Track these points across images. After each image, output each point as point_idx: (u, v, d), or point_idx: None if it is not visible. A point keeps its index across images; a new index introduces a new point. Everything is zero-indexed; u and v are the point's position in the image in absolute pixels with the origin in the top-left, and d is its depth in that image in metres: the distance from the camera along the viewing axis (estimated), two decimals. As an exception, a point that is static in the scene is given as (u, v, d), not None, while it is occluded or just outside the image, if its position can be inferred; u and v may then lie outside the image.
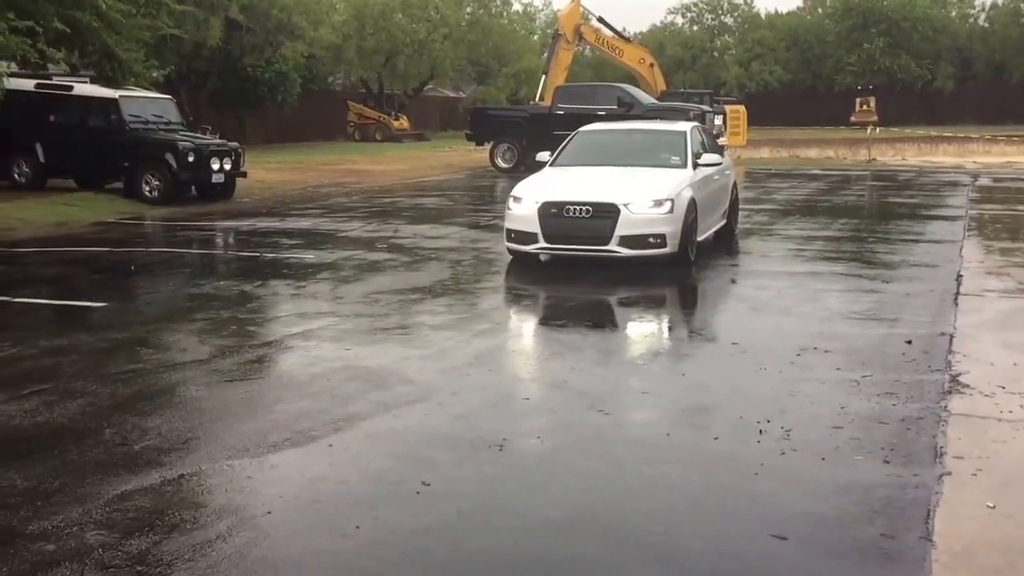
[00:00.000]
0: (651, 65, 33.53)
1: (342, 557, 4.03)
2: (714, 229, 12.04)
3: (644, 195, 10.21)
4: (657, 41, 68.20)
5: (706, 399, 6.09)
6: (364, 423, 5.59)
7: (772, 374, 6.62)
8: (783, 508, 4.52)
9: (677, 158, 11.43)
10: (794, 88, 68.00)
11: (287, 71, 37.58)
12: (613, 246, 9.97)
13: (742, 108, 34.88)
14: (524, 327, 8.63)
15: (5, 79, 16.28)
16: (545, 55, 36.37)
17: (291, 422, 5.56)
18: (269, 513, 4.39)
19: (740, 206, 14.04)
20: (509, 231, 10.64)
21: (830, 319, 8.29)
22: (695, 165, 11.32)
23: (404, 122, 46.38)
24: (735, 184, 13.42)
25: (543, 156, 12.24)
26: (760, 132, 40.81)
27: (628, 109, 25.38)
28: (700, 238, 10.99)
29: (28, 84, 18.22)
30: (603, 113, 25.17)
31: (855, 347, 7.31)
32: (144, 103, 18.94)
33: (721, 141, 27.16)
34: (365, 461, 5.05)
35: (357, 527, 4.27)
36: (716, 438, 5.41)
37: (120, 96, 18.21)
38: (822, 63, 68.46)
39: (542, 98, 30.72)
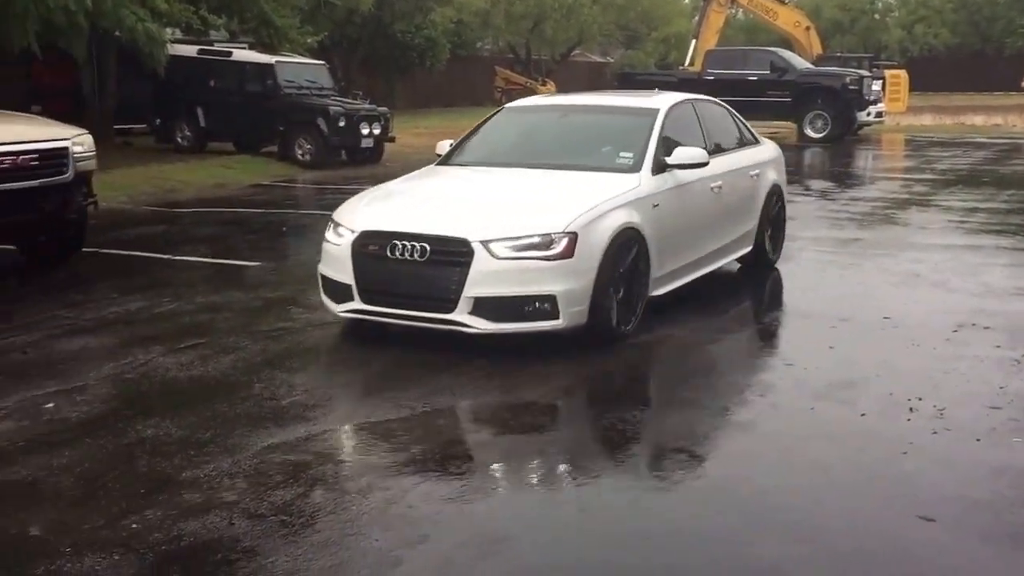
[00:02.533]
0: (807, 28, 32.39)
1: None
2: (723, 261, 8.06)
3: (520, 224, 6.05)
4: (813, 4, 65.71)
5: (854, 374, 5.90)
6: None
7: (926, 350, 6.35)
8: (932, 489, 4.35)
9: (628, 156, 7.05)
10: (960, 52, 64.58)
11: (436, 37, 37.96)
12: (460, 314, 5.92)
13: (903, 73, 33.36)
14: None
15: (169, 45, 17.01)
16: (696, 18, 35.61)
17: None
18: (408, 467, 4.49)
19: (892, 177, 12.94)
20: (323, 278, 6.62)
21: (991, 294, 7.90)
22: (659, 167, 6.97)
23: (550, 87, 46.34)
24: (777, 190, 8.88)
25: (443, 147, 7.95)
26: (922, 98, 39.03)
27: (781, 75, 24.68)
28: (663, 290, 6.97)
29: (191, 50, 19.00)
30: (755, 79, 24.56)
31: (1017, 324, 6.95)
32: (298, 68, 19.47)
33: (880, 107, 26.23)
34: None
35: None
36: (863, 414, 5.23)
37: (276, 61, 18.78)
38: (992, 25, 64.74)
39: (692, 63, 30.17)
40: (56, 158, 8.40)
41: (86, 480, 4.44)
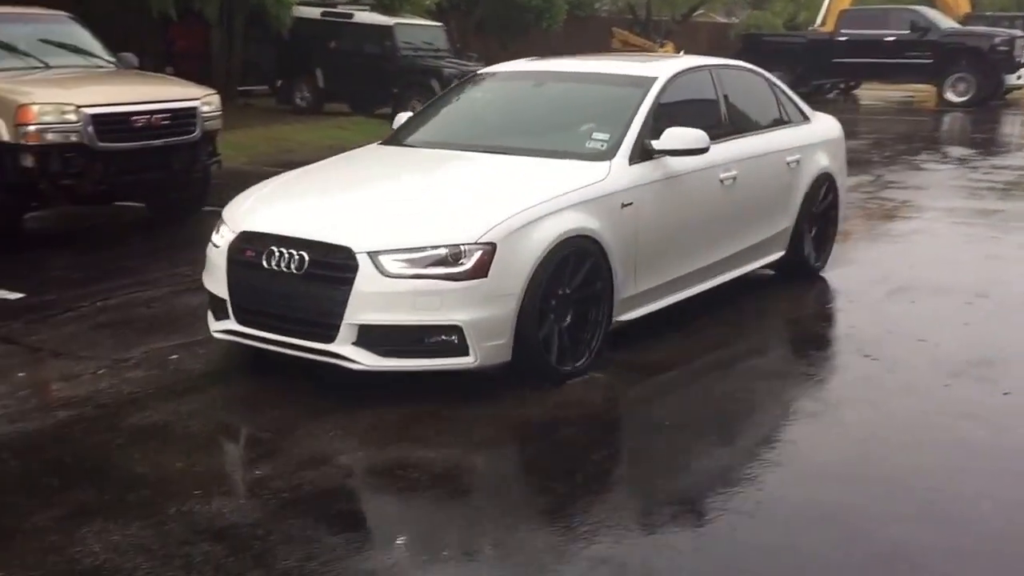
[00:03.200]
0: (952, -15, 30.98)
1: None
2: (739, 271, 6.53)
3: (422, 231, 4.80)
4: (956, -40, 62.91)
5: (993, 352, 5.64)
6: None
7: (1073, 328, 6.03)
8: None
9: (603, 138, 5.63)
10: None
11: (554, -3, 37.69)
12: (341, 345, 4.72)
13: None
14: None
15: (295, 8, 17.33)
16: (827, -24, 34.45)
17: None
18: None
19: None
20: (209, 291, 5.35)
21: None
22: (642, 154, 5.56)
23: (669, 48, 45.57)
24: (825, 180, 7.26)
25: (401, 119, 6.66)
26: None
27: (923, 35, 23.61)
28: (637, 314, 5.59)
29: (314, 13, 19.31)
30: (893, 39, 23.62)
31: None
32: (416, 30, 19.59)
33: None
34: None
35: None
36: (1007, 393, 5.00)
37: (395, 24, 18.94)
38: None
39: (824, 23, 29.19)
40: (185, 117, 8.65)
41: (214, 426, 4.60)
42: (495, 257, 4.67)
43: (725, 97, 6.50)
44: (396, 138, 6.36)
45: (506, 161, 5.60)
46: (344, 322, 4.65)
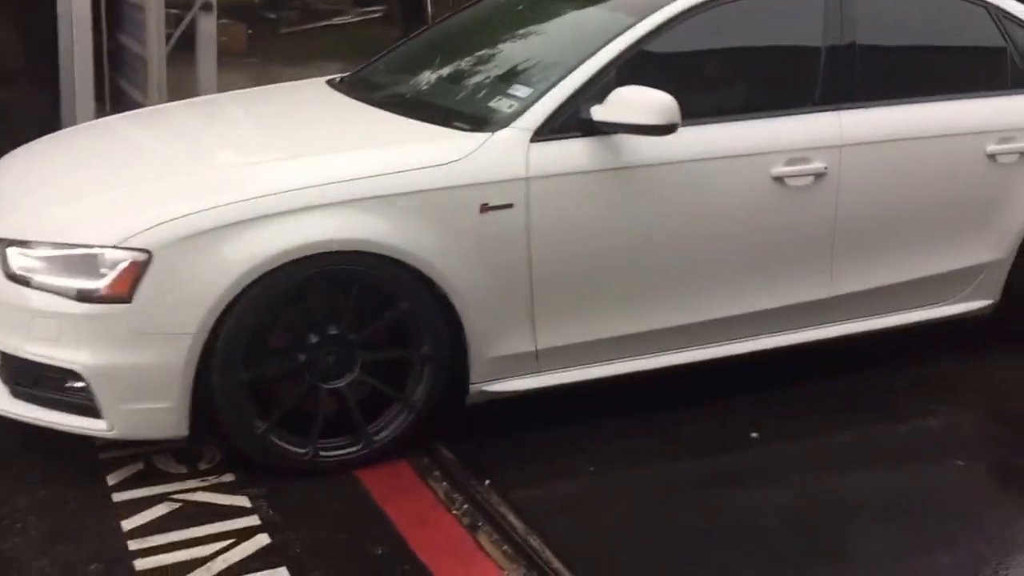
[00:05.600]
0: None
1: None
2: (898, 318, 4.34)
3: (71, 220, 3.37)
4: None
5: None
6: None
7: None
8: None
9: (521, 95, 3.73)
10: None
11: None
12: None
13: None
14: None
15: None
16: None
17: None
18: None
19: None
20: None
21: None
22: (567, 127, 3.62)
23: None
24: None
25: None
26: None
27: None
28: (540, 382, 3.68)
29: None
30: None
31: None
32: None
33: None
34: None
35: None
36: None
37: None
38: None
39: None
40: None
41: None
42: (148, 272, 3.16)
43: (848, 32, 4.15)
44: (343, 82, 4.65)
45: (382, 123, 3.94)
46: None
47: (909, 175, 4.24)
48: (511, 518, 3.20)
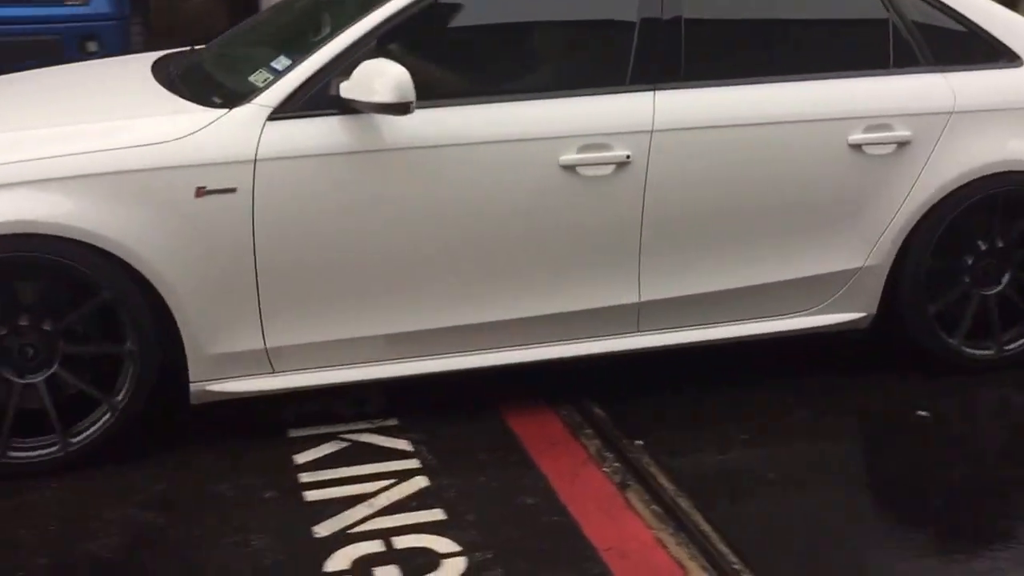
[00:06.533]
0: None
1: None
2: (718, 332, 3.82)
3: None
4: None
5: None
6: None
7: None
8: None
9: (280, 66, 3.39)
10: None
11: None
12: None
13: None
14: None
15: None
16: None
17: None
18: None
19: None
20: None
21: None
22: (318, 103, 3.28)
23: None
24: (971, 191, 3.86)
25: None
26: None
27: None
28: (282, 384, 3.41)
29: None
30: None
31: None
32: None
33: None
34: None
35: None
36: None
37: None
38: None
39: None
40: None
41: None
42: None
43: (672, 3, 3.62)
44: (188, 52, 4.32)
45: (122, 96, 3.76)
46: None
47: (742, 167, 3.66)
48: (661, 479, 3.30)
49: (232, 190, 3.19)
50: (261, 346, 3.33)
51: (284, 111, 3.25)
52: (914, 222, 3.82)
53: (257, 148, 3.20)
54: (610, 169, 3.48)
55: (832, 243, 3.79)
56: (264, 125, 3.22)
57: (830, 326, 3.89)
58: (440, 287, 3.46)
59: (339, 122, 3.27)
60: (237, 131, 3.23)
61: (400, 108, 3.17)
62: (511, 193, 3.45)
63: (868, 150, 3.75)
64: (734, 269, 3.72)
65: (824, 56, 3.90)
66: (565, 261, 3.55)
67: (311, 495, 3.19)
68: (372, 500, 3.16)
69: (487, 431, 3.56)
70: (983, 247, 3.96)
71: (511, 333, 3.56)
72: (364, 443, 3.49)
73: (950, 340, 3.98)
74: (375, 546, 2.93)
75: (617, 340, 3.68)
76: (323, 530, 3.00)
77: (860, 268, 3.84)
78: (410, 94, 3.15)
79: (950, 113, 3.82)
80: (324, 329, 3.38)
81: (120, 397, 3.23)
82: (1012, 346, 4.06)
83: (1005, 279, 3.99)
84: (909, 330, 3.95)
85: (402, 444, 3.48)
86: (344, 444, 3.48)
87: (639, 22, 3.58)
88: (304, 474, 3.30)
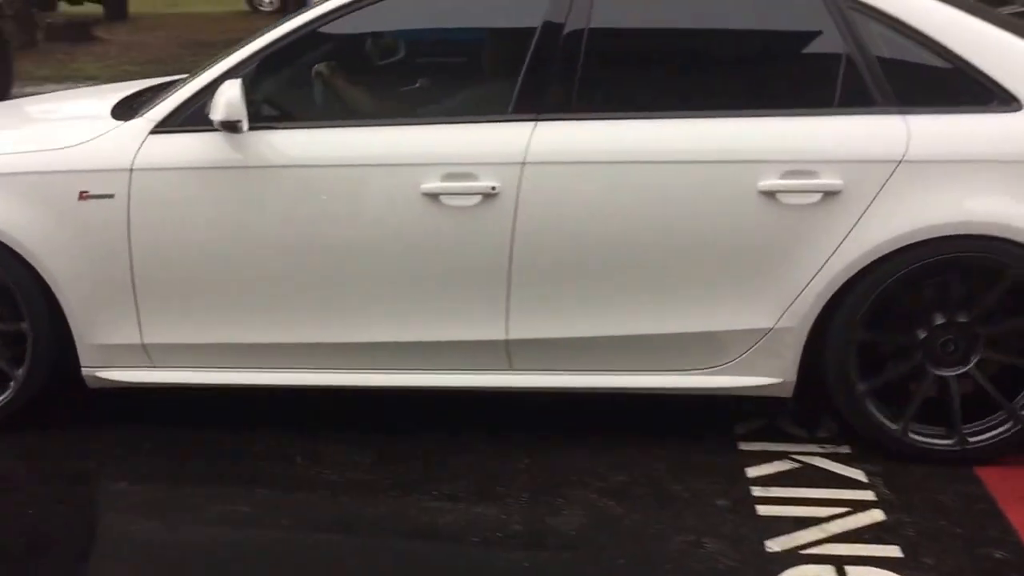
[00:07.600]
0: None
1: None
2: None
3: None
4: None
5: None
6: None
7: None
8: None
9: None
10: None
11: None
12: None
13: None
14: None
15: None
16: None
17: None
18: None
19: None
20: None
21: None
22: (196, 119, 3.53)
23: None
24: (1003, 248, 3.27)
25: None
26: None
27: None
28: (159, 378, 3.70)
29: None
30: None
31: None
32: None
33: None
34: None
35: None
36: None
37: None
38: None
39: None
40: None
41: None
42: None
43: (573, 35, 3.45)
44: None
45: (83, 105, 4.56)
46: None
47: (626, 208, 3.39)
48: None
49: (110, 196, 3.51)
50: (139, 341, 3.61)
51: (166, 125, 3.53)
52: (839, 284, 3.32)
53: (135, 158, 3.50)
54: (476, 200, 3.39)
55: (732, 298, 3.42)
56: (146, 138, 3.52)
57: (736, 388, 3.51)
58: (303, 304, 3.55)
59: (209, 138, 3.48)
60: (123, 142, 3.54)
61: (231, 126, 3.39)
62: (372, 217, 3.47)
63: (783, 199, 3.32)
64: (614, 316, 3.46)
65: (751, 92, 3.54)
66: (429, 290, 3.51)
67: (763, 509, 3.23)
68: (825, 525, 3.14)
69: (949, 472, 3.42)
70: (940, 320, 3.35)
71: (380, 356, 3.58)
72: (816, 467, 3.48)
73: (889, 424, 3.41)
74: (827, 571, 2.92)
75: (489, 376, 3.57)
76: (775, 545, 3.04)
77: (770, 329, 3.41)
78: (239, 113, 3.35)
79: (897, 162, 3.27)
80: (195, 332, 3.60)
81: (19, 373, 3.63)
82: (979, 439, 3.40)
83: (973, 360, 3.37)
84: (836, 406, 3.50)
85: (856, 474, 3.43)
86: (796, 465, 3.49)
87: (531, 50, 3.47)
88: (756, 488, 3.35)
